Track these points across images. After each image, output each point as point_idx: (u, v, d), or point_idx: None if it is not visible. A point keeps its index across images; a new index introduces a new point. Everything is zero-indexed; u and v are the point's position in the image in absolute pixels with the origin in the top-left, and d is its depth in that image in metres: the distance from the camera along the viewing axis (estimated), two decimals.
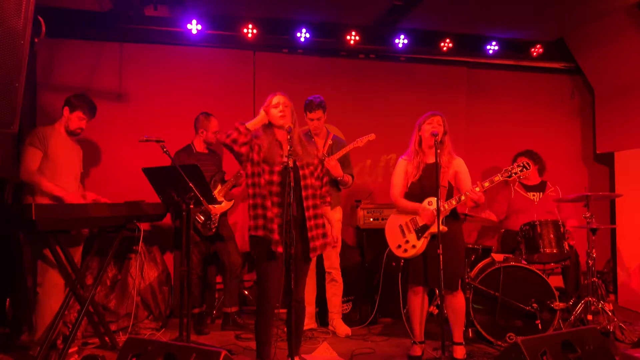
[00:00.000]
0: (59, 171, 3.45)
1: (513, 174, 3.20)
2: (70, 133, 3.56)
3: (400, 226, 3.35)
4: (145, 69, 4.76)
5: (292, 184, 2.69)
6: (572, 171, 5.69)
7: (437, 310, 3.95)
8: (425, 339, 3.46)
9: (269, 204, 2.82)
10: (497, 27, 5.09)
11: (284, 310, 3.01)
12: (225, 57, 4.97)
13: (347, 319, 4.19)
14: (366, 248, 4.64)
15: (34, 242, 3.37)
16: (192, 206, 3.06)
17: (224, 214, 4.14)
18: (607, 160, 5.58)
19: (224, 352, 2.14)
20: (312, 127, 4.04)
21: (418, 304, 3.38)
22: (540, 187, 4.68)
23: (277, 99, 2.94)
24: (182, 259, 3.12)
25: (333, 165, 3.85)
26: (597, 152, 5.60)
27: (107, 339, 3.62)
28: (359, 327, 4.20)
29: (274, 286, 2.85)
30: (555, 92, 5.78)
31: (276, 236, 2.79)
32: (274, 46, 5.02)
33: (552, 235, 3.96)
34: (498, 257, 3.95)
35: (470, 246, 4.12)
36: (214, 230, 4.03)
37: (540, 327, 3.64)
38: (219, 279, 4.57)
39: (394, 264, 4.29)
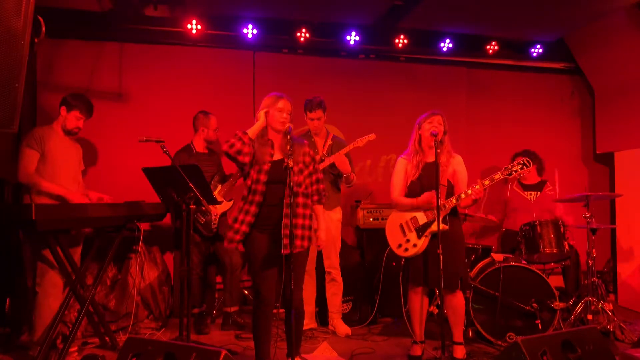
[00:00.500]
0: (57, 171, 3.45)
1: (513, 172, 3.20)
2: (68, 132, 3.55)
3: (401, 225, 3.35)
4: (145, 69, 4.77)
5: (291, 183, 2.69)
6: (572, 171, 5.69)
7: (437, 310, 3.95)
8: (425, 339, 3.46)
9: (246, 206, 2.86)
10: (497, 27, 5.09)
11: (283, 310, 3.00)
12: (225, 57, 4.97)
13: (347, 318, 4.19)
14: (366, 248, 4.64)
15: (34, 242, 3.37)
16: (192, 206, 3.06)
17: (223, 214, 4.14)
18: (607, 160, 5.58)
19: (224, 352, 2.14)
20: (312, 126, 4.04)
21: (418, 303, 3.38)
22: (538, 187, 4.68)
23: (283, 103, 2.91)
24: (182, 259, 3.12)
25: (342, 160, 3.86)
26: (597, 152, 5.60)
27: (107, 338, 3.62)
28: (359, 327, 4.20)
29: (268, 287, 2.85)
30: (555, 92, 5.78)
31: (238, 236, 2.86)
32: (274, 46, 5.03)
33: (552, 235, 3.96)
34: (498, 257, 3.95)
35: (470, 246, 4.13)
36: (215, 231, 4.03)
37: (540, 327, 3.64)
38: (219, 279, 4.57)
39: (394, 263, 4.29)
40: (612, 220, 5.39)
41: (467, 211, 4.13)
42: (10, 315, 3.80)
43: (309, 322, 4.01)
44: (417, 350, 3.42)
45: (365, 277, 4.47)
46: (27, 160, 3.35)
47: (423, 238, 3.25)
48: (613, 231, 5.36)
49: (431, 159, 3.31)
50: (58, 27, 4.21)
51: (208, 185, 3.10)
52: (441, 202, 3.13)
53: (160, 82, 4.78)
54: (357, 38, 4.91)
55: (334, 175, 4.05)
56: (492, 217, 4.65)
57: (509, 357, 2.40)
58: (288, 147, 2.75)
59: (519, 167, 3.19)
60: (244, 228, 2.86)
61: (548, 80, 5.73)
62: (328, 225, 3.60)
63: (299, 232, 2.88)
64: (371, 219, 4.61)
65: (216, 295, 4.55)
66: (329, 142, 4.10)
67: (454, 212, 3.35)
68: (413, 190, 3.34)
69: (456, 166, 3.36)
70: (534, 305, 3.68)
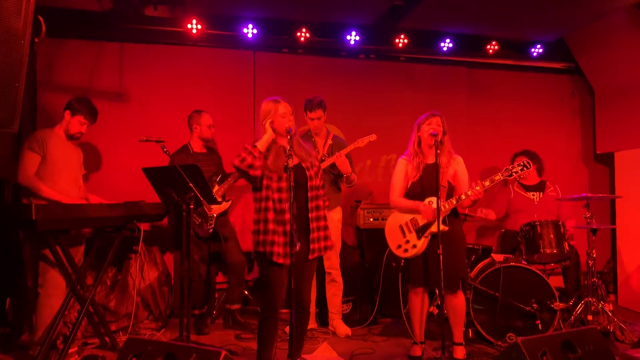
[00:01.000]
0: (57, 175, 3.44)
1: (513, 173, 3.20)
2: (70, 137, 3.54)
3: (401, 226, 3.34)
4: (145, 69, 4.76)
5: (292, 183, 2.68)
6: (572, 171, 5.69)
7: (437, 311, 3.95)
8: (425, 339, 3.46)
9: (279, 217, 2.77)
10: (497, 27, 5.09)
11: (286, 311, 3.00)
12: (225, 57, 4.96)
13: (347, 319, 4.19)
14: (366, 248, 4.64)
15: (35, 242, 3.37)
16: (192, 206, 3.06)
17: (223, 214, 4.13)
18: (607, 160, 5.58)
19: (224, 352, 2.14)
20: (312, 126, 4.04)
21: (418, 304, 3.38)
22: (540, 187, 4.68)
23: (283, 107, 2.89)
24: (182, 259, 3.11)
25: (342, 161, 3.86)
26: (597, 152, 5.60)
27: (107, 339, 3.62)
28: (359, 327, 4.19)
29: (278, 295, 2.83)
30: (555, 92, 5.78)
31: (278, 248, 2.75)
32: (274, 46, 5.02)
33: (552, 236, 3.96)
34: (498, 257, 3.95)
35: (470, 246, 4.13)
36: (210, 232, 4.02)
37: (540, 327, 3.64)
38: (219, 279, 4.58)
39: (393, 264, 4.29)
40: (612, 220, 5.39)
41: (466, 211, 4.13)
42: (10, 315, 3.80)
43: (309, 322, 4.01)
44: (417, 351, 3.42)
45: (365, 277, 4.46)
46: (28, 163, 3.34)
47: (423, 239, 3.25)
48: (613, 231, 5.36)
49: (431, 160, 3.31)
50: (58, 27, 4.20)
51: (208, 185, 3.10)
52: (441, 203, 3.13)
53: (160, 82, 4.78)
54: (357, 38, 4.91)
55: (334, 175, 4.05)
56: (490, 215, 4.62)
57: (509, 357, 2.40)
58: (288, 147, 2.75)
59: (519, 168, 3.19)
60: (283, 239, 2.77)
61: (548, 80, 5.73)
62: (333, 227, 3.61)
63: (322, 234, 2.92)
64: (371, 219, 4.61)
65: (216, 295, 4.55)
66: (330, 142, 4.10)
67: (454, 212, 3.35)
68: (414, 191, 3.34)
69: (457, 167, 3.36)
70: (534, 305, 3.68)
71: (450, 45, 5.13)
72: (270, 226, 2.78)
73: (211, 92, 4.85)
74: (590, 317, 3.84)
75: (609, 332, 3.75)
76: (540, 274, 3.79)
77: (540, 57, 5.41)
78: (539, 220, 4.02)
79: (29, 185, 3.33)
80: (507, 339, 3.62)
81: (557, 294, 3.74)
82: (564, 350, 2.44)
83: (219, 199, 4.00)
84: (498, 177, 3.19)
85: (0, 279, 3.77)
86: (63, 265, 3.29)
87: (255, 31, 4.71)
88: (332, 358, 3.47)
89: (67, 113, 3.50)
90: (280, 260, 2.75)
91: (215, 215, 4.03)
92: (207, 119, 4.12)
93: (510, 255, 3.98)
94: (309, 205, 2.86)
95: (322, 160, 3.93)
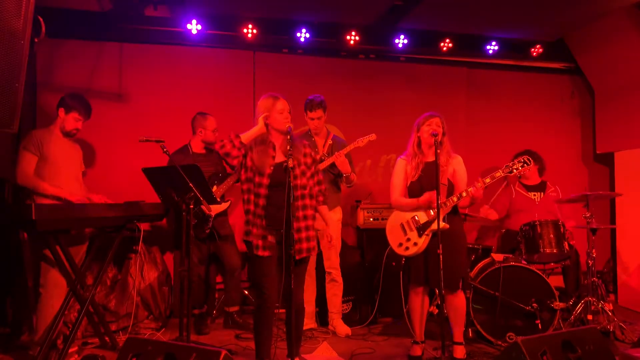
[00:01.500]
0: (59, 172, 3.44)
1: (514, 170, 3.20)
2: (66, 134, 3.54)
3: (402, 224, 3.34)
4: (145, 69, 4.76)
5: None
6: (572, 171, 5.70)
7: (437, 310, 3.94)
8: (425, 339, 3.46)
9: (252, 207, 2.86)
10: (497, 27, 5.09)
11: (284, 310, 3.00)
12: (225, 57, 4.96)
13: (347, 318, 4.19)
14: (366, 248, 4.64)
15: (35, 242, 3.37)
16: (191, 206, 3.06)
17: (222, 214, 4.13)
18: (607, 160, 5.58)
19: (224, 352, 2.14)
20: (312, 126, 4.04)
21: (418, 303, 3.38)
22: (541, 187, 4.68)
23: (282, 104, 2.92)
24: (182, 259, 3.12)
25: (342, 161, 3.86)
26: (597, 152, 5.60)
27: (107, 339, 3.62)
28: (359, 327, 4.20)
29: (270, 286, 2.85)
30: (555, 92, 5.78)
31: (257, 241, 2.84)
32: (274, 46, 5.02)
33: (552, 235, 3.96)
34: (498, 257, 3.95)
35: (470, 246, 4.13)
36: (207, 232, 4.02)
37: (540, 327, 3.65)
38: (219, 279, 4.58)
39: (394, 263, 4.29)
40: (612, 220, 5.39)
41: (467, 211, 4.13)
42: (10, 315, 3.80)
43: (309, 322, 4.01)
44: (417, 351, 3.42)
45: (365, 277, 4.47)
46: (25, 164, 3.34)
47: (424, 237, 3.25)
48: (613, 231, 5.36)
49: (431, 158, 3.31)
50: (58, 27, 4.21)
51: (208, 185, 3.10)
52: (442, 200, 3.13)
53: (160, 82, 4.78)
54: (357, 38, 4.91)
55: (334, 175, 4.05)
56: (491, 215, 4.62)
57: (509, 357, 2.41)
58: (288, 147, 2.75)
59: (520, 165, 3.19)
60: (262, 232, 2.87)
61: (548, 80, 5.73)
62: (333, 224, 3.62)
63: (309, 233, 2.94)
64: (371, 219, 4.61)
65: (216, 296, 4.55)
66: (329, 141, 4.10)
67: (454, 211, 3.35)
68: (413, 190, 3.34)
69: (456, 166, 3.36)
70: (534, 305, 3.69)
71: (450, 45, 5.13)
72: (251, 218, 2.88)
73: (211, 92, 4.85)
74: (590, 317, 3.84)
75: (609, 332, 3.75)
76: (540, 273, 3.79)
77: (540, 57, 5.41)
78: (538, 220, 4.02)
79: (29, 185, 3.33)
80: (507, 338, 3.63)
81: (557, 293, 3.74)
82: (564, 350, 2.44)
83: (218, 199, 4.00)
84: (499, 173, 3.20)
85: (0, 279, 3.77)
86: (63, 265, 3.29)
87: (255, 31, 4.71)
88: (332, 358, 3.47)
89: (61, 110, 3.50)
90: (259, 253, 2.84)
91: (212, 215, 4.02)
92: (212, 123, 4.12)
93: (510, 255, 3.98)
94: (295, 204, 2.86)
95: (321, 160, 3.93)
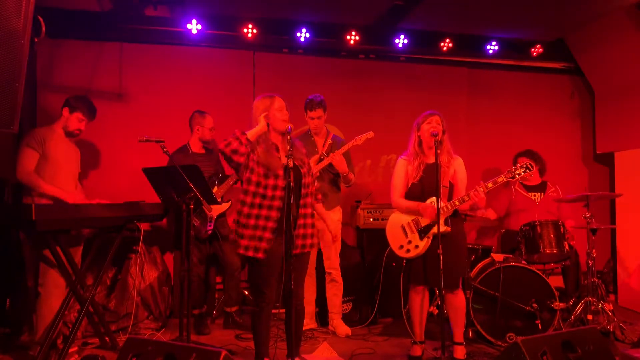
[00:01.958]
0: (57, 172, 3.44)
1: (516, 175, 3.20)
2: (69, 134, 3.54)
3: (403, 226, 3.34)
4: (145, 69, 4.76)
5: (292, 184, 2.69)
6: (572, 171, 5.70)
7: (437, 310, 3.95)
8: (425, 339, 3.46)
9: (264, 213, 2.80)
10: (497, 27, 5.09)
11: (283, 310, 3.01)
12: (225, 57, 4.97)
13: (347, 319, 4.19)
14: (366, 248, 4.64)
15: (35, 243, 3.37)
16: (192, 206, 3.06)
17: (222, 215, 4.13)
18: (607, 160, 5.58)
19: (224, 352, 2.14)
20: (312, 125, 4.03)
21: (418, 303, 3.38)
22: (541, 188, 4.68)
23: (279, 102, 2.92)
24: (182, 259, 3.12)
25: (339, 160, 3.85)
26: (597, 152, 5.60)
27: (107, 339, 3.62)
28: (359, 327, 4.19)
29: (268, 285, 2.85)
30: (555, 92, 5.78)
31: (264, 244, 2.79)
32: (274, 46, 5.02)
33: (552, 236, 3.96)
34: (498, 257, 3.95)
35: (470, 246, 4.13)
36: (209, 232, 4.02)
37: (540, 327, 3.65)
38: (219, 279, 4.58)
39: (394, 264, 4.29)
40: (612, 220, 5.39)
41: (467, 211, 4.12)
42: (10, 315, 3.80)
43: (309, 322, 4.01)
44: (417, 351, 3.42)
45: (365, 277, 4.47)
46: (26, 160, 3.34)
47: (425, 239, 3.25)
48: (613, 231, 5.36)
49: (432, 160, 3.30)
50: (58, 27, 4.21)
51: (208, 185, 3.10)
52: (442, 205, 3.13)
53: (160, 82, 4.78)
54: (357, 38, 4.91)
55: (334, 175, 4.05)
56: (490, 214, 4.62)
57: (509, 357, 2.40)
58: (288, 147, 2.75)
59: (522, 170, 3.20)
60: (268, 235, 2.81)
61: (548, 80, 5.73)
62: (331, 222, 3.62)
63: (311, 231, 2.95)
64: (371, 219, 4.61)
65: (216, 296, 4.55)
66: (329, 141, 4.10)
67: (454, 212, 3.35)
68: (414, 192, 3.34)
69: (457, 167, 3.36)
70: (534, 305, 3.69)
71: (450, 45, 5.13)
72: (252, 221, 2.81)
73: (211, 92, 4.85)
74: (590, 317, 3.84)
75: (609, 332, 3.75)
76: (540, 273, 3.79)
77: (540, 57, 5.41)
78: (538, 220, 4.02)
79: (28, 182, 3.33)
80: (507, 338, 3.63)
81: (557, 293, 3.74)
82: (564, 350, 2.44)
83: (218, 200, 4.00)
84: (501, 179, 3.19)
85: (0, 279, 3.77)
86: (63, 266, 3.29)
87: (255, 31, 4.71)
88: (332, 358, 3.47)
89: (66, 110, 3.51)
90: (259, 255, 2.78)
91: (214, 216, 4.02)
92: (209, 121, 4.12)
93: (510, 255, 3.98)
94: (300, 202, 2.88)
95: (321, 160, 3.93)
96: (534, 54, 5.37)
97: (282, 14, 4.77)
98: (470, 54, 5.33)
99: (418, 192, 3.32)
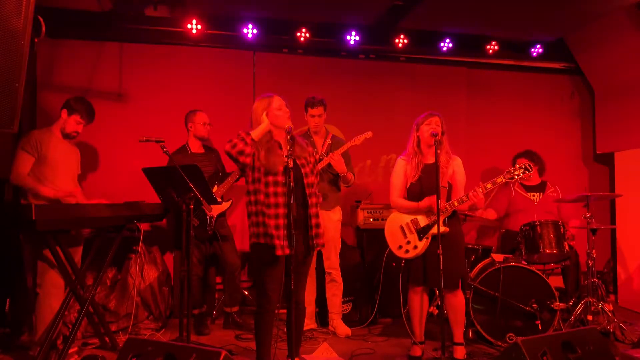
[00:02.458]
0: (56, 173, 3.43)
1: (515, 176, 3.21)
2: (66, 136, 3.54)
3: (401, 227, 3.34)
4: (145, 69, 4.76)
5: (292, 183, 2.69)
6: (572, 171, 5.70)
7: (437, 311, 3.95)
8: (425, 339, 3.46)
9: (271, 211, 2.78)
10: (497, 27, 5.09)
11: (284, 311, 3.01)
12: (225, 57, 4.96)
13: (347, 319, 4.19)
14: (366, 248, 4.64)
15: (34, 242, 3.37)
16: (192, 206, 3.06)
17: (222, 215, 4.13)
18: (607, 160, 5.58)
19: (224, 352, 2.14)
20: (312, 124, 4.03)
21: (418, 304, 3.38)
22: (540, 188, 4.68)
23: (278, 101, 2.92)
24: (182, 259, 3.11)
25: (337, 160, 3.85)
26: (597, 152, 5.60)
27: (107, 339, 3.62)
28: (359, 328, 4.19)
29: (275, 288, 2.84)
30: (555, 92, 5.78)
31: (278, 241, 2.76)
32: (274, 46, 5.02)
33: (552, 236, 3.96)
34: (498, 257, 3.95)
35: (470, 246, 4.12)
36: (210, 233, 4.02)
37: (540, 327, 3.65)
38: (218, 279, 4.58)
39: (393, 264, 4.29)
40: (612, 220, 5.39)
41: (466, 211, 4.12)
42: (10, 315, 3.80)
43: (309, 322, 4.01)
44: (417, 351, 3.42)
45: (365, 277, 4.47)
46: (21, 164, 3.34)
47: (424, 240, 3.25)
48: (613, 231, 5.36)
49: (431, 160, 3.31)
50: (58, 27, 4.21)
51: (208, 185, 3.09)
52: (442, 204, 3.13)
53: (160, 82, 4.78)
54: (357, 38, 4.91)
55: (333, 175, 4.05)
56: (490, 214, 4.62)
57: (509, 357, 2.40)
58: (288, 146, 2.75)
59: (521, 171, 3.20)
60: (283, 231, 2.76)
61: (548, 80, 5.73)
62: (327, 225, 3.61)
63: (319, 230, 2.94)
64: (371, 219, 4.61)
65: (216, 296, 4.55)
66: (328, 141, 4.10)
67: (453, 213, 3.35)
68: (413, 192, 3.34)
69: (455, 168, 3.36)
70: (534, 305, 3.69)
71: (450, 45, 5.13)
72: (261, 219, 2.81)
73: (211, 92, 4.85)
74: (590, 317, 3.84)
75: (609, 332, 3.75)
76: (540, 274, 3.79)
77: (540, 57, 5.41)
78: (538, 220, 4.01)
79: (22, 185, 3.33)
80: (507, 339, 3.62)
81: (557, 294, 3.74)
82: (564, 350, 2.44)
83: (219, 199, 3.99)
84: (500, 179, 3.19)
85: (0, 279, 3.77)
86: (63, 266, 3.29)
87: (255, 31, 4.71)
88: (332, 358, 3.47)
89: (64, 112, 3.50)
90: (279, 252, 2.76)
91: (214, 216, 4.02)
92: (201, 117, 4.11)
93: (510, 255, 3.98)
94: (309, 201, 2.88)
95: (320, 160, 3.93)
96: (534, 54, 5.37)
97: (282, 14, 4.77)
98: (470, 53, 5.34)
99: (417, 192, 3.32)
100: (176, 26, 4.62)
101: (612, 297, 5.21)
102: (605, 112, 5.43)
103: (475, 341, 3.77)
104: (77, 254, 3.58)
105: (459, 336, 3.33)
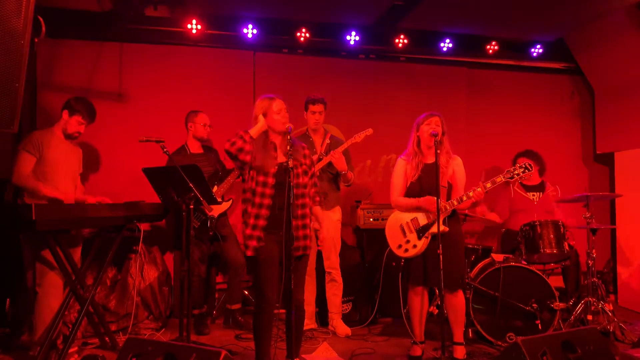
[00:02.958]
0: (56, 174, 3.43)
1: (515, 175, 3.20)
2: (68, 136, 3.53)
3: (401, 226, 3.34)
4: (145, 69, 4.76)
5: (291, 183, 2.69)
6: (572, 171, 5.70)
7: (437, 311, 3.95)
8: (425, 339, 3.46)
9: (254, 210, 2.84)
10: (497, 27, 5.09)
11: (284, 311, 3.01)
12: (225, 57, 4.96)
13: (347, 319, 4.19)
14: (366, 248, 4.64)
15: (33, 242, 3.37)
16: (192, 206, 3.06)
17: (223, 214, 4.13)
18: (607, 160, 5.58)
19: (224, 352, 2.14)
20: (313, 120, 4.03)
21: (418, 303, 3.38)
22: (540, 187, 4.68)
23: (278, 104, 2.93)
24: (182, 259, 3.12)
25: (338, 158, 3.86)
26: (597, 152, 5.61)
27: (107, 339, 3.62)
28: (359, 327, 4.19)
29: (271, 288, 2.85)
30: (555, 92, 5.78)
31: (250, 242, 2.83)
32: (274, 46, 5.02)
33: (552, 236, 3.96)
34: (498, 257, 3.95)
35: (470, 246, 4.12)
36: (211, 234, 4.01)
37: (540, 327, 3.65)
38: (219, 279, 4.57)
39: (394, 264, 4.29)
40: (612, 220, 5.39)
41: (467, 211, 4.13)
42: (10, 315, 3.80)
43: (309, 322, 4.01)
44: (417, 351, 3.42)
45: (365, 277, 4.47)
46: (22, 164, 3.33)
47: (423, 239, 3.25)
48: (613, 231, 5.36)
49: (431, 160, 3.31)
50: (58, 27, 4.21)
51: (208, 185, 3.10)
52: (442, 204, 3.13)
53: (160, 82, 4.78)
54: (357, 38, 4.92)
55: (333, 175, 4.05)
56: (494, 217, 4.64)
57: (509, 357, 2.40)
58: (288, 147, 2.75)
59: (521, 170, 3.20)
60: (258, 233, 2.85)
61: (548, 80, 5.73)
62: (327, 225, 3.62)
63: (306, 232, 2.94)
64: (371, 219, 4.61)
65: (216, 296, 4.55)
66: (327, 141, 4.10)
67: (453, 213, 3.35)
68: (413, 191, 3.34)
69: (455, 167, 3.36)
70: (534, 305, 3.69)
71: (450, 45, 5.13)
72: (251, 220, 2.85)
73: (211, 92, 4.85)
74: (590, 317, 3.84)
75: (609, 332, 3.75)
76: (540, 274, 3.79)
77: (540, 57, 5.42)
78: (538, 220, 4.01)
79: (24, 186, 3.33)
80: (507, 338, 3.62)
81: (557, 293, 3.74)
82: (564, 350, 2.44)
83: (219, 199, 3.99)
84: (500, 178, 3.19)
85: (0, 279, 3.77)
86: (63, 266, 3.29)
87: (255, 31, 4.71)
88: (332, 358, 3.47)
89: (65, 112, 3.50)
90: (261, 254, 2.82)
91: (215, 216, 4.02)
92: (202, 118, 4.11)
93: (510, 255, 3.98)
94: (295, 202, 2.86)
95: (319, 159, 3.94)
96: (534, 54, 5.38)
97: (282, 14, 4.77)
98: (470, 53, 5.34)
99: (417, 191, 3.32)
100: (176, 26, 4.62)
101: (612, 297, 5.21)
102: (605, 112, 5.43)
103: (475, 341, 3.77)
104: (77, 253, 3.58)
105: (459, 336, 3.33)
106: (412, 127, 3.43)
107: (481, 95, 5.57)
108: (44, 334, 3.22)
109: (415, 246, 3.27)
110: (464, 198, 3.20)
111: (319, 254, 4.07)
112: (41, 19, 2.33)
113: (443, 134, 3.28)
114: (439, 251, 3.01)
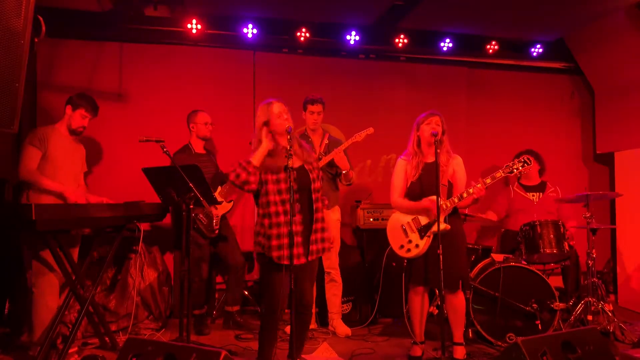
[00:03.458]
0: (58, 171, 3.44)
1: (514, 170, 3.20)
2: (73, 132, 3.55)
3: (403, 226, 3.34)
4: (145, 69, 4.76)
5: (294, 186, 2.68)
6: (572, 171, 5.69)
7: (437, 311, 3.94)
8: (425, 339, 3.46)
9: (274, 220, 2.77)
10: (497, 27, 5.09)
11: (288, 311, 3.01)
12: (225, 57, 4.96)
13: (347, 319, 4.19)
14: (366, 248, 4.64)
15: (32, 242, 3.36)
16: (191, 206, 3.06)
17: (223, 216, 4.13)
18: (607, 160, 5.58)
19: (224, 353, 2.14)
20: (311, 120, 4.04)
21: (418, 303, 3.38)
22: (540, 188, 4.68)
23: (278, 107, 2.87)
24: (182, 259, 3.11)
25: (340, 157, 3.86)
26: (597, 152, 5.61)
27: (107, 339, 3.62)
28: (359, 328, 4.19)
29: (280, 296, 2.81)
30: (555, 92, 5.78)
31: (284, 251, 2.74)
32: (274, 46, 5.02)
33: (552, 236, 3.96)
34: (498, 257, 3.95)
35: (470, 246, 4.12)
36: (216, 232, 4.01)
37: (540, 327, 3.65)
38: (219, 279, 4.57)
39: (394, 264, 4.29)
40: (612, 220, 5.39)
41: (466, 211, 4.13)
42: (10, 315, 3.80)
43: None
44: (417, 351, 3.42)
45: (365, 277, 4.47)
46: (29, 158, 3.35)
47: (425, 238, 3.25)
48: (613, 231, 5.36)
49: (431, 159, 3.31)
50: (58, 27, 4.21)
51: (208, 185, 3.09)
52: (442, 202, 3.13)
53: (160, 82, 4.78)
54: (357, 38, 4.91)
55: (332, 174, 4.05)
56: (491, 216, 4.64)
57: (509, 357, 2.40)
58: (288, 147, 2.74)
59: (520, 165, 3.19)
60: (285, 241, 2.75)
61: (548, 80, 5.73)
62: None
63: (319, 236, 2.90)
64: (371, 219, 4.61)
65: (216, 296, 4.55)
66: (326, 141, 4.11)
67: (454, 211, 3.35)
68: (413, 191, 3.34)
69: (456, 166, 3.36)
70: (534, 305, 3.69)
71: (450, 45, 5.13)
72: (274, 231, 2.77)
73: (211, 92, 4.85)
74: (590, 317, 3.84)
75: (609, 332, 3.75)
76: (540, 274, 3.79)
77: (540, 57, 5.42)
78: (538, 220, 4.01)
79: (30, 180, 3.33)
80: (507, 339, 3.62)
81: (557, 294, 3.74)
82: (564, 350, 2.44)
83: (220, 199, 3.99)
84: (499, 174, 3.19)
85: (0, 279, 3.77)
86: (63, 266, 3.29)
87: (255, 31, 4.71)
88: (332, 358, 3.47)
89: (69, 108, 3.53)
90: (286, 262, 2.73)
91: (219, 215, 4.02)
92: (203, 117, 4.11)
93: (510, 255, 3.98)
94: (313, 206, 2.85)
95: (319, 159, 3.94)
96: (534, 54, 5.38)
97: (282, 13, 4.77)
98: (470, 53, 5.34)
99: (417, 191, 3.32)
100: (176, 26, 4.62)
101: (612, 297, 5.21)
102: (605, 112, 5.43)
103: (475, 341, 3.77)
104: (75, 253, 3.58)
105: (459, 336, 3.33)
106: (412, 127, 3.43)
107: (481, 95, 5.57)
108: (43, 334, 3.22)
109: (417, 246, 3.27)
110: (465, 195, 3.19)
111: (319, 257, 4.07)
112: (41, 19, 2.32)
113: (443, 133, 3.28)
114: (439, 251, 3.01)
